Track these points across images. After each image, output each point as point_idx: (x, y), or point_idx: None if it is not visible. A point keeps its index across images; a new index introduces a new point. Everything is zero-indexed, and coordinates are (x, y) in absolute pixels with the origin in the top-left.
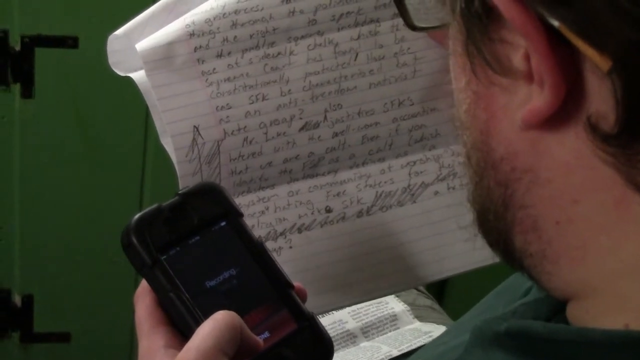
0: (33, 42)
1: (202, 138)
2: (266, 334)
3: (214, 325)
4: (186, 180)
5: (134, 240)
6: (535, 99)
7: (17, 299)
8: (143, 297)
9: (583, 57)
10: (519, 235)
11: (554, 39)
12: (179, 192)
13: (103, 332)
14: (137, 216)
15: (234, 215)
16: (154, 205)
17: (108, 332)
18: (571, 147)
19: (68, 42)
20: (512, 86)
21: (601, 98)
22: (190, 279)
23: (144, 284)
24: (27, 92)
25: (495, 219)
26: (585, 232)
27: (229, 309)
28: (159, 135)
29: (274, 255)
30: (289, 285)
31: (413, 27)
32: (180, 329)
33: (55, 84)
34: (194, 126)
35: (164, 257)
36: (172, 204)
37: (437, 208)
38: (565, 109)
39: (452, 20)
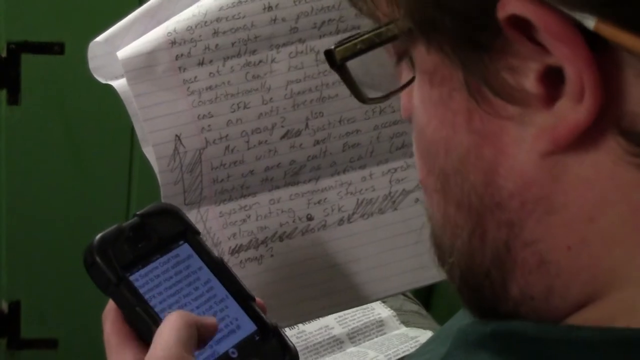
0: (19, 48)
1: (184, 147)
2: (232, 346)
3: (172, 325)
4: (168, 189)
5: (98, 259)
6: (571, 115)
7: (4, 306)
8: (110, 316)
9: (619, 57)
10: (519, 279)
11: (589, 44)
12: (137, 213)
13: (91, 338)
14: (98, 236)
15: (192, 233)
16: (114, 226)
17: (96, 338)
18: (591, 161)
19: (54, 49)
20: (523, 115)
21: (637, 97)
22: (155, 295)
23: (110, 303)
24: (13, 98)
25: (487, 272)
26: (599, 249)
27: None
28: (141, 144)
29: (233, 270)
30: (250, 297)
31: (367, 100)
32: (148, 342)
33: (41, 90)
34: (176, 135)
35: (128, 274)
36: (131, 224)
37: (418, 215)
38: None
39: (440, 65)
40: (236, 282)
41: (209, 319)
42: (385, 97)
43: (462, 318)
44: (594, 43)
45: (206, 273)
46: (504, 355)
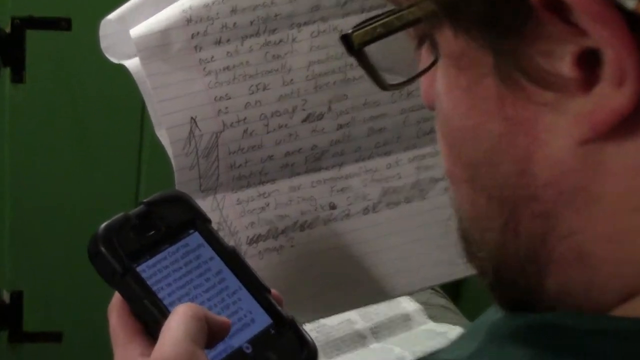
0: (24, 24)
1: (200, 130)
2: (246, 341)
3: (180, 318)
4: (183, 174)
5: (103, 249)
6: (610, 100)
7: (6, 296)
8: (117, 308)
9: None
10: (555, 275)
11: (629, 25)
12: (144, 200)
13: (97, 331)
14: (103, 225)
15: (202, 221)
16: (120, 214)
17: (102, 332)
18: (632, 147)
19: (61, 24)
20: (559, 101)
21: None
22: (163, 287)
23: (117, 296)
24: (18, 76)
25: (521, 267)
26: None
27: None
28: (154, 127)
29: (249, 260)
30: (264, 289)
31: (388, 87)
32: (156, 336)
33: (47, 68)
34: (191, 117)
35: (135, 265)
36: (138, 212)
37: (448, 205)
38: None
39: (467, 48)
40: (250, 273)
41: (222, 317)
42: (406, 82)
43: (494, 314)
44: (634, 24)
45: (218, 263)
46: (539, 348)
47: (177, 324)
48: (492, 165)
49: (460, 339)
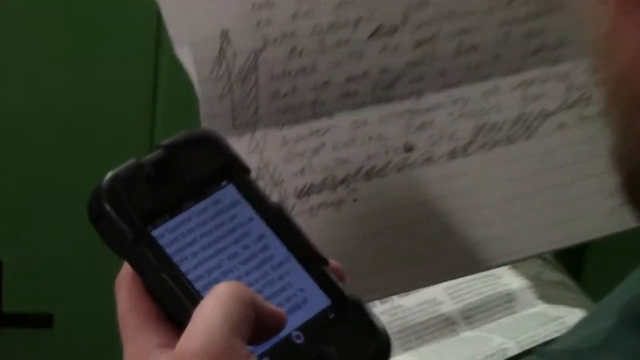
0: None
1: (233, 47)
2: (296, 328)
3: (218, 301)
4: (211, 106)
5: (108, 207)
6: None
7: None
8: (127, 283)
9: None
10: None
11: None
12: (163, 143)
13: (98, 313)
14: (108, 175)
15: (239, 171)
16: (130, 161)
17: (105, 314)
18: None
19: None
20: None
21: None
22: (187, 257)
23: (126, 267)
24: None
25: None
26: None
27: None
28: (173, 45)
29: (299, 221)
30: (321, 259)
31: None
32: (178, 322)
33: None
34: (222, 30)
35: (150, 228)
36: (155, 159)
37: (563, 146)
38: None
39: None
40: (302, 238)
41: (276, 308)
42: None
43: (630, 289)
44: None
45: (259, 226)
46: None
47: (213, 307)
48: (609, 58)
49: (585, 321)
